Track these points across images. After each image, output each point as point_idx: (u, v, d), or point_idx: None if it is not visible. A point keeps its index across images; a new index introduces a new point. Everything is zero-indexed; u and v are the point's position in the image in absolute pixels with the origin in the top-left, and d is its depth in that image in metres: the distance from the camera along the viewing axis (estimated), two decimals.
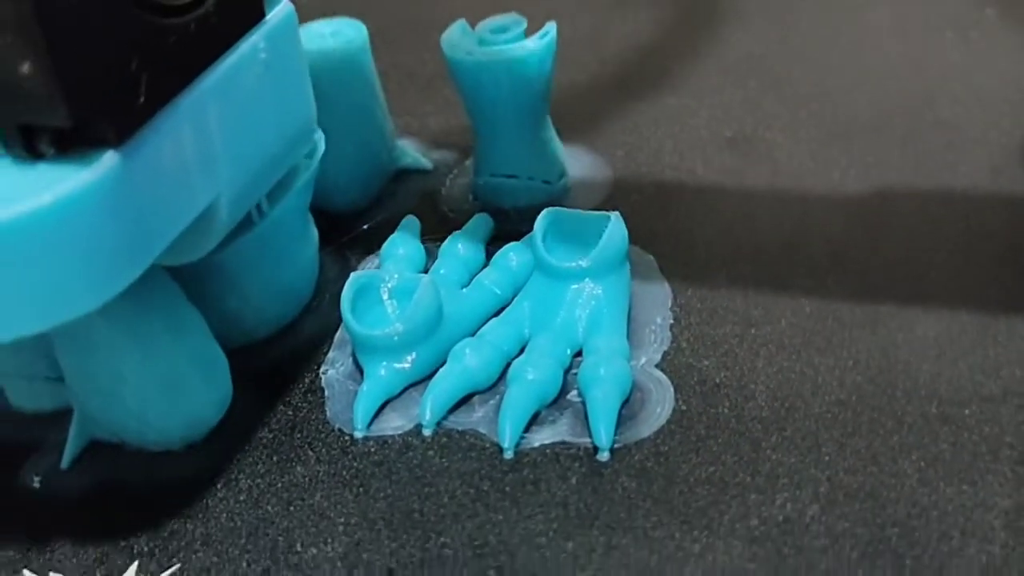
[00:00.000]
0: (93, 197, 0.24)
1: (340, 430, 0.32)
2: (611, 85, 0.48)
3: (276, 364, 0.35)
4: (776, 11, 0.52)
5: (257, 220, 0.33)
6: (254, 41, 0.29)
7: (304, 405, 0.33)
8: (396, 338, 0.32)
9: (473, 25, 0.40)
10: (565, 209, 0.35)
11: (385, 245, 0.37)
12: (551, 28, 0.38)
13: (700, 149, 0.43)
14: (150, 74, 0.25)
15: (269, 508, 0.30)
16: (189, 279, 0.32)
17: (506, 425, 0.30)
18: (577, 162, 0.42)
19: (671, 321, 0.34)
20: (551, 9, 0.47)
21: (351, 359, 0.34)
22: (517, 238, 0.37)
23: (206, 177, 0.28)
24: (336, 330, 0.36)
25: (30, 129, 0.24)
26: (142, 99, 0.25)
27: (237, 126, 0.29)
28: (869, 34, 0.50)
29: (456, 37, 0.39)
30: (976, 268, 0.35)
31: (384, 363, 0.32)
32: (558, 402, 0.32)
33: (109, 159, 0.24)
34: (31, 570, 0.29)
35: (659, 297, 0.35)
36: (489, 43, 0.39)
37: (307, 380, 0.34)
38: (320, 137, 0.35)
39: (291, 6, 0.31)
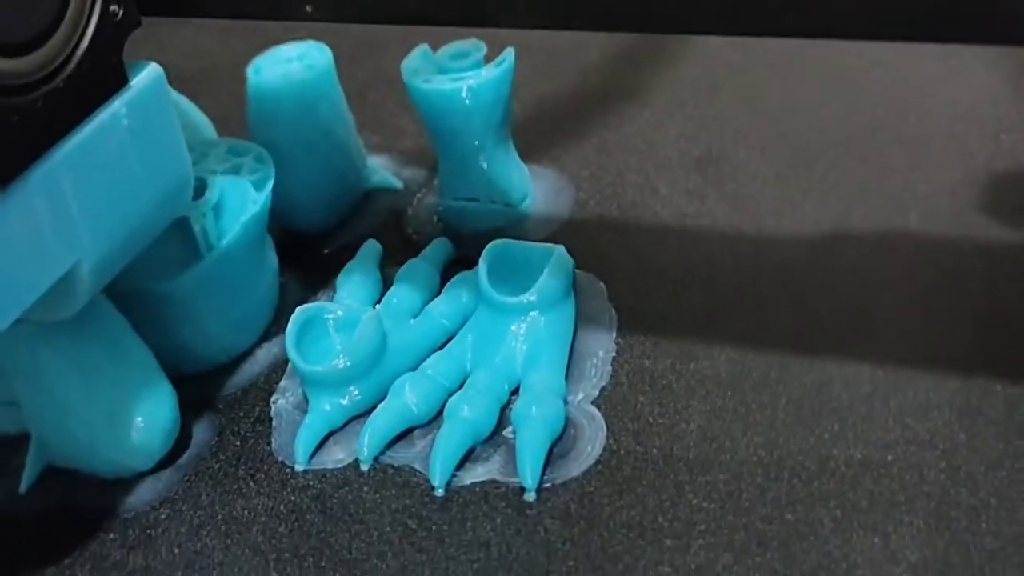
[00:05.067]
0: None
1: (283, 462, 0.33)
2: (582, 99, 0.48)
3: (229, 392, 0.36)
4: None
5: (205, 252, 0.34)
6: (115, 108, 0.29)
7: (252, 435, 0.34)
8: (339, 373, 0.33)
9: (435, 48, 0.40)
10: (511, 241, 0.36)
11: (342, 273, 0.38)
12: (509, 55, 0.38)
13: (666, 169, 0.43)
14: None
15: (208, 541, 0.31)
16: (139, 309, 0.33)
17: (437, 463, 0.31)
18: (541, 182, 0.43)
19: (613, 354, 0.35)
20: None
21: (301, 389, 0.35)
22: (477, 262, 0.38)
23: (63, 245, 0.28)
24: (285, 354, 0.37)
25: None
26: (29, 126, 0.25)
27: (98, 193, 0.29)
28: (846, 44, 0.49)
29: (416, 63, 0.39)
30: (922, 304, 0.35)
31: (327, 397, 0.33)
32: (493, 438, 0.33)
33: None
34: None
35: (604, 327, 0.36)
36: (448, 70, 0.39)
37: (257, 409, 0.35)
38: (270, 168, 0.36)
39: (159, 69, 0.30)
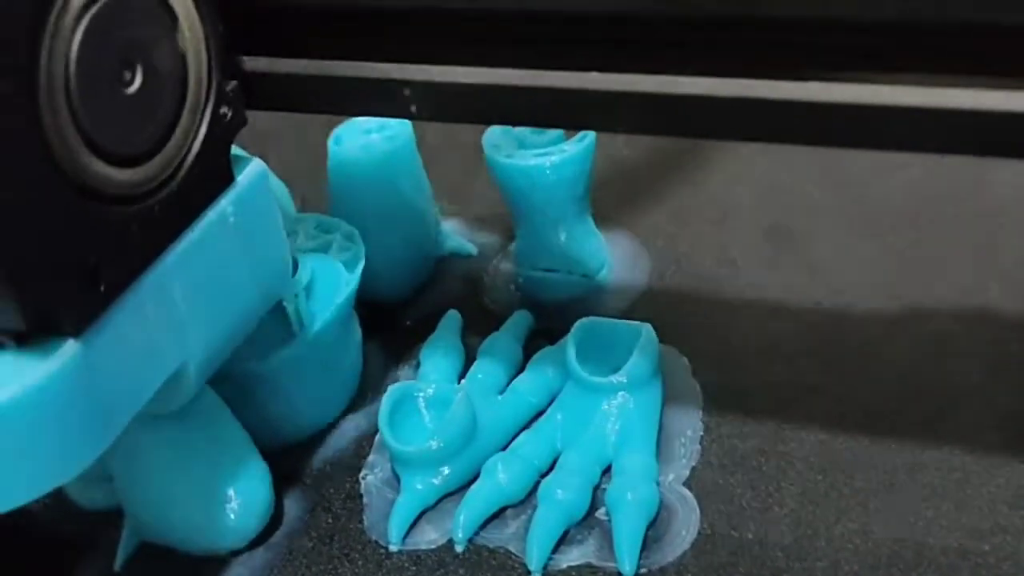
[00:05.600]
0: (55, 386, 0.24)
1: (376, 542, 0.33)
2: (657, 166, 0.48)
3: (318, 466, 0.36)
4: None
5: (298, 332, 0.35)
6: (222, 207, 0.29)
7: (343, 512, 0.34)
8: (431, 453, 0.33)
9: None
10: (598, 320, 0.36)
11: (425, 346, 0.39)
12: (590, 136, 0.39)
13: (741, 239, 0.43)
14: (111, 264, 0.26)
15: None
16: (231, 387, 0.34)
17: (534, 547, 0.31)
18: (617, 250, 0.43)
19: (701, 433, 0.35)
20: None
21: (390, 464, 0.35)
22: (557, 333, 0.38)
23: (173, 345, 0.28)
24: (377, 431, 0.37)
25: None
26: (102, 288, 0.25)
27: (205, 292, 0.29)
28: None
29: (497, 137, 0.40)
30: (1009, 382, 0.35)
31: (420, 476, 0.34)
32: (587, 520, 0.33)
33: (69, 348, 0.25)
34: None
35: (691, 404, 0.36)
36: (529, 144, 0.40)
37: (347, 485, 0.35)
38: (361, 248, 0.36)
39: (262, 164, 0.31)
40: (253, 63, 0.29)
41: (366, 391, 0.39)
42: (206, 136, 0.28)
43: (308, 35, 0.29)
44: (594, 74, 0.25)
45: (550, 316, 0.40)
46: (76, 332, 0.25)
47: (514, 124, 0.28)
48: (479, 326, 0.40)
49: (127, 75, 0.26)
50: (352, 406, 0.38)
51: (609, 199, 0.45)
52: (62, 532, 0.35)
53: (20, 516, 0.36)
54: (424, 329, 0.40)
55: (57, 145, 0.24)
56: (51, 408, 0.25)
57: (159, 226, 0.27)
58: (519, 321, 0.40)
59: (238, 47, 0.29)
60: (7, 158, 0.23)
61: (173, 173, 0.28)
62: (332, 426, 0.37)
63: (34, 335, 0.25)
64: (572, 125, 0.28)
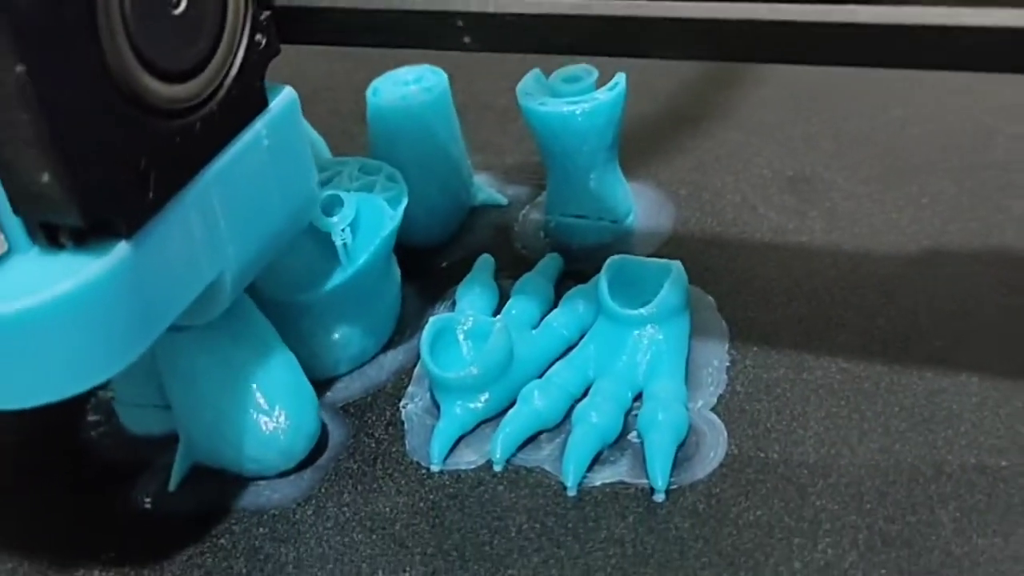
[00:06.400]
0: (107, 283, 0.26)
1: (418, 463, 0.35)
2: (677, 120, 0.50)
3: (360, 396, 0.38)
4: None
5: (346, 265, 0.36)
6: (257, 129, 0.31)
7: (385, 438, 0.36)
8: (471, 380, 0.35)
9: (547, 72, 0.42)
10: (629, 257, 0.38)
11: (461, 285, 0.40)
12: (620, 80, 0.40)
13: (761, 188, 0.45)
14: (158, 172, 0.27)
15: (354, 536, 0.33)
16: (280, 318, 0.35)
17: (570, 466, 0.33)
18: (643, 199, 0.45)
19: (727, 363, 0.37)
20: None
21: (429, 394, 0.37)
22: (586, 276, 0.40)
23: (212, 256, 0.30)
24: (415, 365, 0.39)
25: (52, 225, 0.26)
26: (151, 194, 0.27)
27: (241, 208, 0.31)
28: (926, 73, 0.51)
29: (530, 86, 0.41)
30: (1020, 316, 0.37)
31: (459, 402, 0.35)
32: (619, 443, 0.34)
33: (121, 249, 0.27)
34: None
35: (717, 338, 0.38)
36: (561, 93, 0.41)
37: (388, 414, 0.37)
38: (403, 187, 0.38)
39: (293, 92, 0.32)
40: None
41: (404, 328, 0.40)
42: (243, 61, 0.30)
43: None
44: (642, 1, 0.26)
45: (578, 260, 0.42)
46: (128, 234, 0.27)
47: (563, 53, 0.29)
48: (511, 270, 0.42)
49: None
50: (391, 342, 0.40)
51: (634, 151, 0.47)
52: (118, 458, 0.37)
53: (78, 443, 0.38)
54: (458, 272, 0.42)
55: (113, 60, 0.26)
56: (102, 304, 0.27)
57: (200, 142, 0.29)
58: (550, 263, 0.41)
59: None
60: (71, 71, 0.25)
61: (213, 93, 0.30)
62: (372, 360, 0.39)
63: (90, 236, 0.27)
64: (620, 52, 0.29)
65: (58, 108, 0.24)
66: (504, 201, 0.46)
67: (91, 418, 0.39)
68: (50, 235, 0.26)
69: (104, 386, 0.38)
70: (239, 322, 0.34)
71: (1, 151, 0.25)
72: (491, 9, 0.29)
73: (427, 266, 0.43)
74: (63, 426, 0.38)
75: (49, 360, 0.27)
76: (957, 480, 0.32)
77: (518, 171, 0.48)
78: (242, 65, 0.30)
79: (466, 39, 0.29)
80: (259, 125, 0.31)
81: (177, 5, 0.27)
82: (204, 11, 0.28)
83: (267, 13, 0.30)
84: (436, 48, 0.31)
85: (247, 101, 0.30)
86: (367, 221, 0.37)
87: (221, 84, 0.29)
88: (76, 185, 0.25)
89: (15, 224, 0.26)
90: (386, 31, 0.30)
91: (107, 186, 0.26)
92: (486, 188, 0.47)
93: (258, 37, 0.30)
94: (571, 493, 0.33)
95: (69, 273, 0.26)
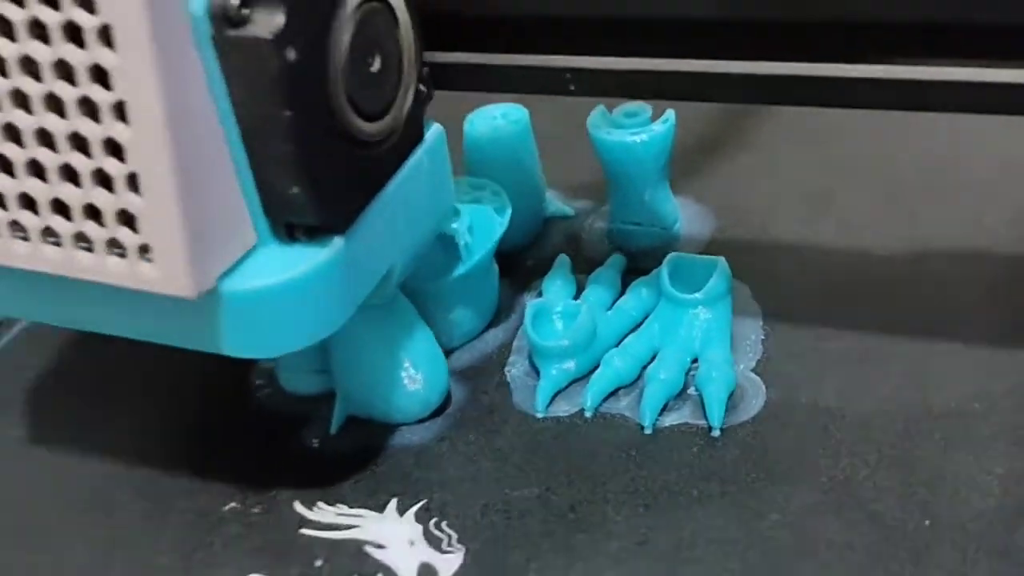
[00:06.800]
0: (329, 268, 0.36)
1: (525, 412, 0.45)
2: (713, 148, 0.61)
3: (472, 364, 0.48)
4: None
5: (466, 261, 0.46)
6: (419, 156, 0.41)
7: (496, 394, 0.46)
8: (564, 349, 0.45)
9: (609, 108, 0.53)
10: (683, 254, 0.48)
11: (546, 278, 0.51)
12: (670, 115, 0.51)
13: (783, 202, 0.55)
14: (362, 186, 0.38)
15: (482, 464, 0.43)
16: (414, 301, 0.46)
17: (646, 411, 0.43)
18: (687, 210, 0.55)
19: (762, 337, 0.47)
20: None
21: (528, 361, 0.47)
22: (644, 271, 0.50)
23: (391, 250, 0.40)
24: (514, 340, 0.49)
25: (291, 224, 0.36)
26: (358, 202, 0.38)
27: (408, 214, 0.41)
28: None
29: (598, 119, 0.52)
30: (1000, 299, 0.47)
31: (555, 365, 0.45)
32: (681, 395, 0.44)
33: (338, 242, 0.37)
34: (326, 503, 0.42)
35: (753, 317, 0.48)
36: (622, 125, 0.52)
37: (496, 377, 0.47)
38: (506, 200, 0.48)
39: (441, 128, 0.42)
40: (451, 56, 0.41)
41: (502, 312, 0.50)
42: (412, 104, 0.40)
43: (488, 36, 0.41)
44: (705, 61, 0.37)
45: (636, 259, 0.52)
46: (343, 231, 0.37)
47: (641, 99, 0.40)
48: (582, 267, 0.52)
49: (370, 59, 0.38)
50: (493, 323, 0.50)
51: (679, 172, 0.57)
52: (283, 412, 0.47)
53: (249, 402, 0.48)
54: (541, 268, 0.52)
55: (336, 105, 0.36)
56: (326, 283, 0.37)
57: (385, 165, 0.39)
58: (616, 261, 0.52)
59: (431, 44, 0.41)
60: (313, 114, 0.35)
61: (393, 129, 0.40)
62: (480, 336, 0.49)
63: (317, 233, 0.37)
64: (688, 97, 0.40)
65: (305, 141, 0.34)
66: (572, 212, 0.57)
67: (257, 382, 0.49)
68: (289, 232, 0.36)
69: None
70: (392, 304, 0.44)
71: (263, 171, 0.35)
72: (590, 66, 0.40)
73: (516, 264, 0.53)
74: (237, 391, 0.48)
75: (287, 323, 0.37)
76: (944, 418, 0.42)
77: (582, 188, 0.58)
78: (411, 107, 0.40)
79: (571, 87, 0.39)
80: (420, 152, 0.41)
81: (373, 64, 0.38)
82: (389, 68, 0.38)
83: (426, 68, 0.40)
84: (548, 94, 0.41)
85: (413, 134, 0.41)
86: (479, 226, 0.47)
87: (398, 122, 0.39)
88: (315, 195, 0.35)
89: (264, 224, 0.36)
90: (514, 81, 0.40)
91: (332, 196, 0.36)
92: (556, 202, 0.57)
93: (421, 87, 0.40)
94: (648, 431, 0.43)
95: (304, 260, 0.36)
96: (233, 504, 0.43)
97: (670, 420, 0.44)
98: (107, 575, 0.41)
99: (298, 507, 0.42)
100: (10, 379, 0.51)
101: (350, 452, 0.45)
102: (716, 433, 0.43)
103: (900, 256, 0.51)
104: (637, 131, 0.51)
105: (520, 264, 0.53)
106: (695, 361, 0.46)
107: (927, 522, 0.38)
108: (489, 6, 0.40)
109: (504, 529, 0.40)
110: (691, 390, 0.45)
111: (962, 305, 0.47)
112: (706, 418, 0.43)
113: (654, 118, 0.52)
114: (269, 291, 0.36)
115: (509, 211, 0.48)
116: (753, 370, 0.45)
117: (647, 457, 0.42)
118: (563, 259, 0.52)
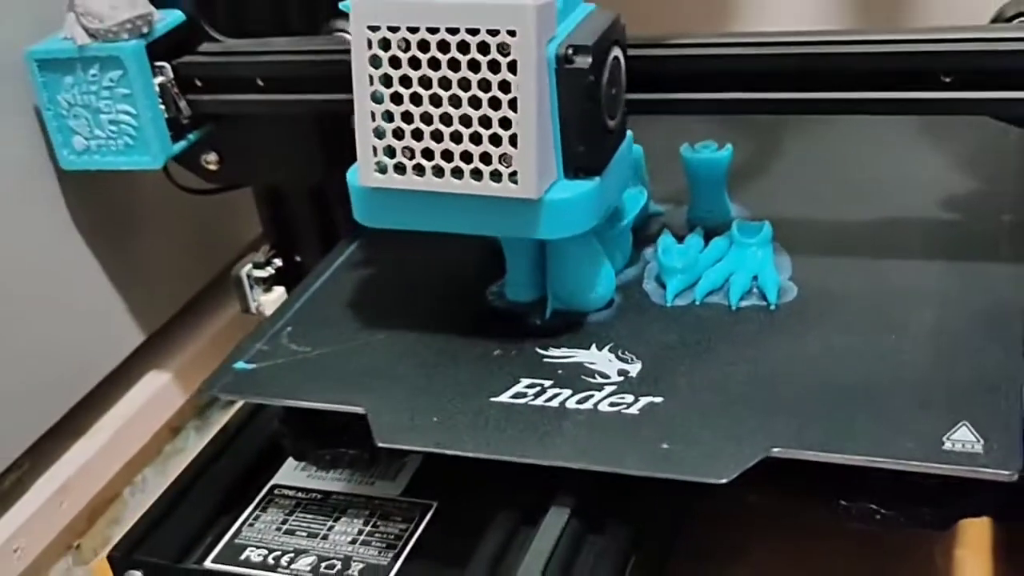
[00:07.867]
0: (593, 191, 0.69)
1: (659, 304, 0.78)
2: (749, 168, 0.95)
3: (621, 284, 0.81)
4: (822, 141, 1.00)
5: (618, 224, 0.80)
6: (626, 143, 0.75)
7: (639, 296, 0.79)
8: (680, 268, 0.79)
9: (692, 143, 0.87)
10: (745, 220, 0.82)
11: (660, 239, 0.84)
12: (729, 147, 0.86)
13: (796, 203, 0.90)
14: (607, 152, 0.71)
15: (639, 326, 0.76)
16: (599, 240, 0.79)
17: (733, 299, 0.77)
18: (735, 206, 0.89)
19: (794, 265, 0.81)
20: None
21: (655, 281, 0.80)
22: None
23: (616, 192, 0.74)
24: (643, 272, 0.82)
25: (577, 168, 0.69)
26: (605, 160, 0.71)
27: (620, 174, 0.74)
28: (881, 151, 0.97)
29: (687, 149, 0.86)
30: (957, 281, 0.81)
31: (677, 278, 0.79)
32: (750, 293, 0.78)
33: (595, 181, 0.69)
34: (554, 347, 0.74)
35: (787, 257, 0.82)
36: (699, 151, 0.86)
37: (636, 291, 0.80)
38: (645, 189, 0.83)
39: (630, 132, 0.77)
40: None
41: (632, 260, 0.84)
42: (622, 115, 0.74)
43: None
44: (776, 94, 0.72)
45: (706, 237, 0.86)
46: (599, 174, 0.70)
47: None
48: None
49: (614, 88, 0.71)
50: (627, 264, 0.83)
51: (732, 181, 0.92)
52: (510, 310, 0.80)
53: (487, 308, 0.81)
54: (647, 241, 0.85)
55: (601, 106, 0.69)
56: (591, 199, 0.68)
57: (615, 143, 0.73)
58: (698, 231, 0.85)
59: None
60: (593, 108, 0.68)
61: (617, 125, 0.73)
62: (620, 273, 0.82)
63: (587, 174, 0.70)
64: (760, 112, 0.74)
65: (588, 124, 0.68)
66: (662, 210, 0.91)
67: (492, 291, 0.81)
68: (575, 172, 0.69)
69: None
70: (589, 238, 0.77)
71: (566, 139, 0.68)
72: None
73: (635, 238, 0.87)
74: (477, 301, 0.81)
75: (575, 218, 0.69)
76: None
77: (667, 194, 0.92)
78: (622, 117, 0.74)
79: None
80: (625, 143, 0.75)
81: (614, 90, 0.71)
82: (620, 93, 0.72)
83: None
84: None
85: (622, 132, 0.74)
86: (631, 199, 0.81)
87: (618, 123, 0.73)
88: (589, 153, 0.69)
89: (561, 167, 0.69)
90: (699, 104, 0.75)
91: (596, 154, 0.69)
92: (652, 204, 0.91)
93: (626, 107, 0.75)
94: (733, 308, 0.76)
95: (582, 187, 0.68)
96: (498, 351, 0.75)
97: (746, 303, 0.77)
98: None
99: (538, 350, 0.75)
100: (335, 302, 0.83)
101: (561, 325, 0.77)
102: (772, 307, 0.76)
103: (864, 248, 0.85)
104: (709, 155, 0.85)
105: (636, 239, 0.87)
106: (755, 278, 0.79)
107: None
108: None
109: (659, 350, 0.73)
110: (754, 290, 0.78)
111: (932, 274, 0.82)
112: (766, 300, 0.76)
113: (721, 146, 0.87)
114: (565, 201, 0.68)
115: (647, 192, 0.82)
116: (790, 278, 0.79)
117: (735, 319, 0.75)
118: (667, 235, 0.86)
